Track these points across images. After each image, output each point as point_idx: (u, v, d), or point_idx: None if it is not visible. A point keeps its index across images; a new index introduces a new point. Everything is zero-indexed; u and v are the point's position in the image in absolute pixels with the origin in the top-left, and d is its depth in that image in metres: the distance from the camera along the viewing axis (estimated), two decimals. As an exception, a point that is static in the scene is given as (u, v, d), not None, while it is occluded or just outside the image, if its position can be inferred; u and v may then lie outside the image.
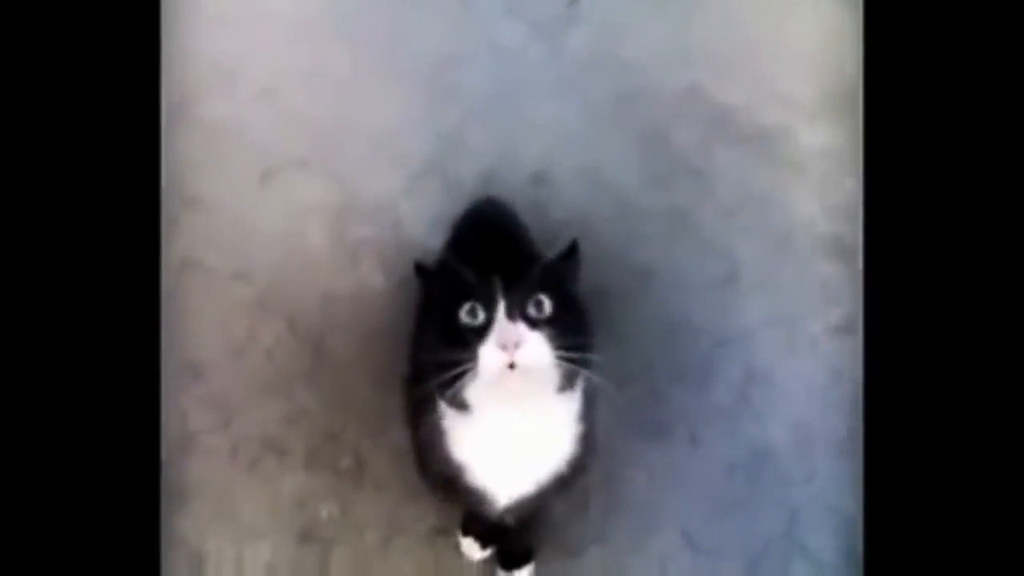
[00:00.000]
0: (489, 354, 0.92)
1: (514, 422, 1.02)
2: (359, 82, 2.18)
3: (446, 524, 1.48)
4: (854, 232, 1.83)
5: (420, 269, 1.13)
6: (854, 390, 1.59)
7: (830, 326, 1.74)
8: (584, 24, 2.30)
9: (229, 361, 1.69)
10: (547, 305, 0.96)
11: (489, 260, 1.05)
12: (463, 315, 0.96)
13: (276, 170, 2.00)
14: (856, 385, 1.54)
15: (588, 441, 1.11)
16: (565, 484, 1.12)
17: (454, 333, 0.96)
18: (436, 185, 1.97)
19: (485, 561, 1.45)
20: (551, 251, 1.13)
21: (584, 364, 0.95)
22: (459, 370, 0.93)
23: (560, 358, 0.93)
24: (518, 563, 1.43)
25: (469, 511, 1.38)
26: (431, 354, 0.99)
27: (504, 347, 0.91)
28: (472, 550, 1.44)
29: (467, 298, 0.97)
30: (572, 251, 1.10)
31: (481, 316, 0.95)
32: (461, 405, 0.99)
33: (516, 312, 0.94)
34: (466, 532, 1.45)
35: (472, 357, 0.93)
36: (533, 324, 0.94)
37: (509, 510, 1.15)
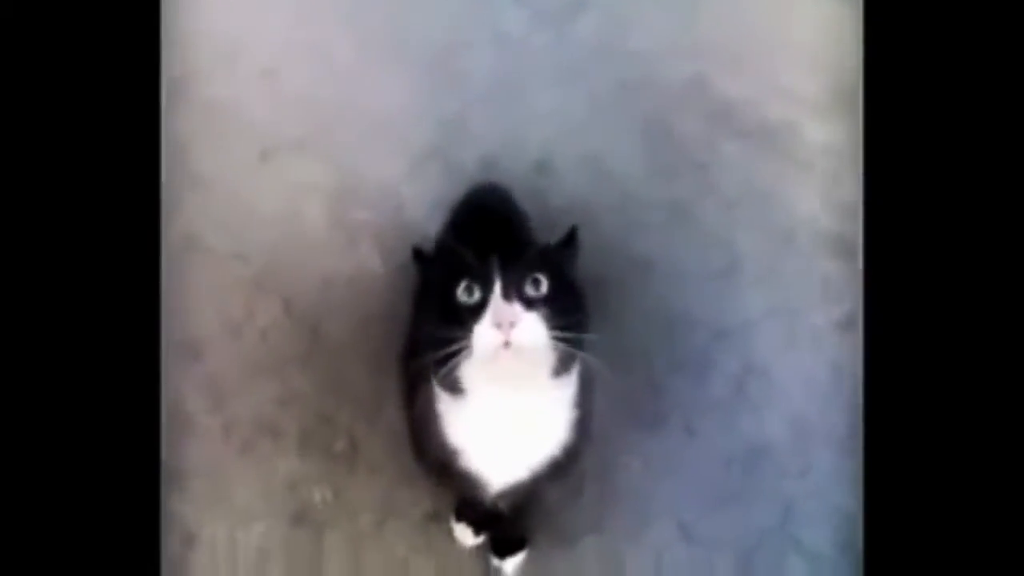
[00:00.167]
0: (484, 333, 0.91)
1: (508, 406, 1.01)
2: (362, 65, 2.16)
3: (440, 509, 1.48)
4: (856, 229, 1.82)
5: (418, 255, 1.13)
6: (853, 386, 1.58)
7: (830, 322, 1.73)
8: (589, 13, 2.28)
9: (224, 342, 1.68)
10: (544, 285, 0.95)
11: (487, 243, 1.04)
12: (459, 293, 0.95)
13: (276, 151, 1.99)
14: (855, 381, 1.54)
15: (583, 428, 1.10)
16: (559, 470, 1.11)
17: (450, 312, 0.95)
18: (437, 170, 1.95)
19: (479, 547, 1.44)
20: (551, 239, 1.13)
21: (579, 346, 0.94)
22: (454, 347, 0.91)
23: (556, 339, 0.92)
24: (511, 550, 1.42)
25: (463, 497, 1.37)
26: (427, 333, 0.99)
27: (499, 325, 0.90)
28: (465, 536, 1.43)
29: (464, 277, 0.96)
30: (571, 238, 1.10)
31: (477, 295, 0.94)
32: (455, 387, 0.98)
33: (512, 291, 0.93)
34: (460, 518, 1.44)
35: (467, 335, 0.91)
36: (529, 304, 0.93)
37: (503, 496, 1.15)
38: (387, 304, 1.69)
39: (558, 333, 0.92)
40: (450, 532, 1.45)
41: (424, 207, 1.86)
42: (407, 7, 2.29)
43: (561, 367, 0.97)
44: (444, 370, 0.94)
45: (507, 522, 1.40)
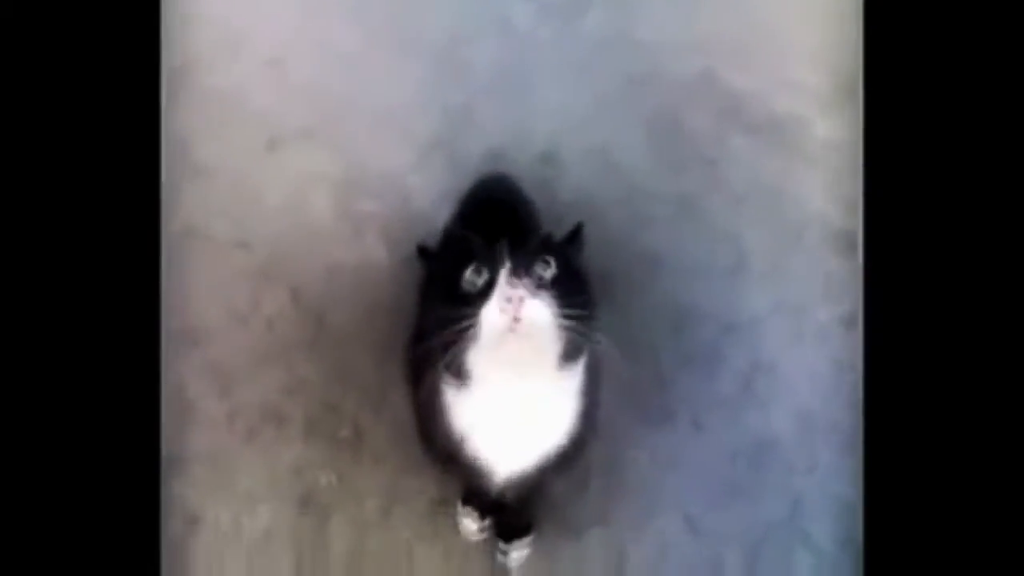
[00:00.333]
0: (492, 312, 0.90)
1: (515, 394, 1.01)
2: (368, 55, 2.16)
3: (446, 496, 1.47)
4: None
5: (423, 252, 1.13)
6: (859, 381, 1.57)
7: (837, 318, 1.72)
8: (597, 6, 2.28)
9: (231, 330, 1.68)
10: (551, 269, 0.95)
11: (495, 231, 1.03)
12: (467, 276, 0.95)
13: (282, 140, 1.98)
14: (861, 376, 1.54)
15: (589, 419, 1.10)
16: (565, 461, 1.11)
17: (458, 295, 0.95)
18: (443, 161, 1.95)
19: (484, 534, 1.44)
20: (558, 231, 1.12)
21: (586, 329, 0.94)
22: (463, 325, 0.91)
23: (563, 317, 0.91)
24: (517, 536, 1.42)
25: (469, 486, 1.37)
26: (434, 316, 0.98)
27: (508, 301, 0.89)
28: (471, 523, 1.43)
29: (472, 261, 0.96)
30: (576, 233, 1.10)
31: (485, 277, 0.94)
32: (461, 373, 0.97)
33: (521, 273, 0.93)
34: (465, 505, 1.44)
35: (475, 316, 0.91)
36: (536, 286, 0.93)
37: (508, 485, 1.14)
38: (393, 294, 1.69)
39: (565, 314, 0.91)
40: (455, 521, 1.45)
41: (430, 198, 1.86)
42: (414, -1, 2.28)
43: (568, 355, 0.96)
44: (450, 355, 0.93)
45: (512, 510, 1.40)
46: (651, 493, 1.50)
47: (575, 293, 0.95)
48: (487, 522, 1.43)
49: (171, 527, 1.44)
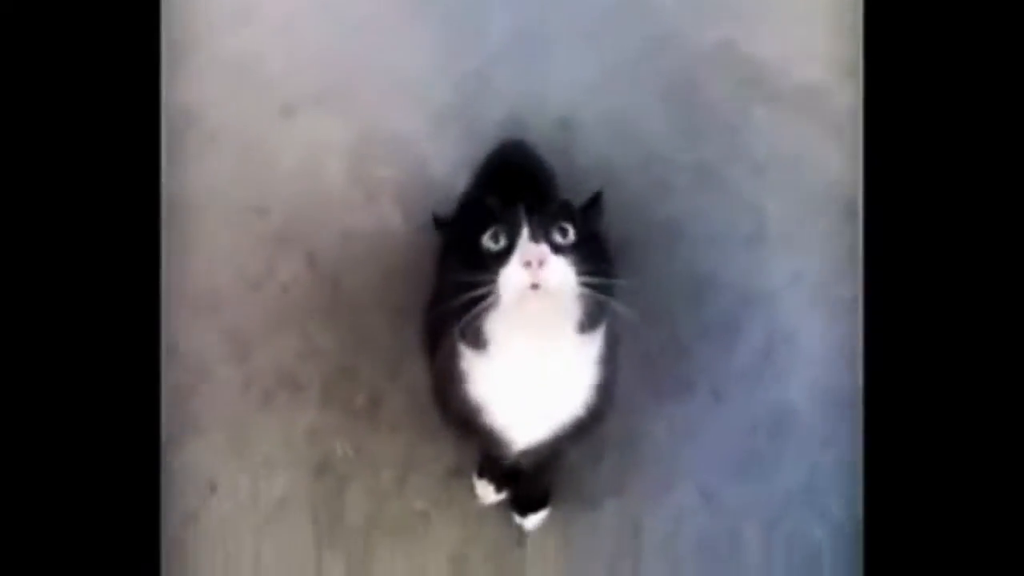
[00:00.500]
0: (511, 274, 0.89)
1: (533, 361, 0.99)
2: (382, 19, 2.12)
3: (462, 465, 1.47)
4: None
5: (438, 220, 1.11)
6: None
7: (857, 289, 1.70)
8: (616, -32, 2.23)
9: (246, 295, 1.67)
10: (571, 233, 0.94)
11: (513, 197, 1.01)
12: (486, 240, 0.93)
13: (296, 106, 1.96)
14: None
15: (607, 389, 1.09)
16: (582, 431, 1.10)
17: (476, 258, 0.93)
18: (459, 127, 1.92)
19: (500, 504, 1.44)
20: (576, 198, 1.10)
21: (607, 292, 0.92)
22: (481, 291, 0.89)
23: (583, 284, 0.89)
24: (533, 508, 1.42)
25: (486, 453, 1.37)
26: (452, 280, 0.96)
27: (527, 265, 0.88)
28: (487, 492, 1.43)
29: (491, 225, 0.94)
30: (596, 201, 1.08)
31: (503, 241, 0.92)
32: (478, 339, 0.96)
33: (540, 235, 0.91)
34: (481, 474, 1.44)
35: (494, 280, 0.89)
36: (556, 249, 0.91)
37: (525, 454, 1.14)
38: (409, 261, 1.68)
39: (586, 278, 0.90)
40: (471, 488, 1.45)
41: (446, 164, 1.84)
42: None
43: (588, 322, 0.94)
44: (468, 318, 0.91)
45: (528, 479, 1.40)
46: (667, 464, 1.50)
47: (595, 258, 0.93)
48: (503, 494, 1.43)
49: (188, 493, 1.45)
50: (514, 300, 0.88)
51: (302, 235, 1.75)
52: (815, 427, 1.54)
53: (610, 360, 1.07)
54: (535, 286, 0.87)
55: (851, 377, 1.58)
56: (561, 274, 0.89)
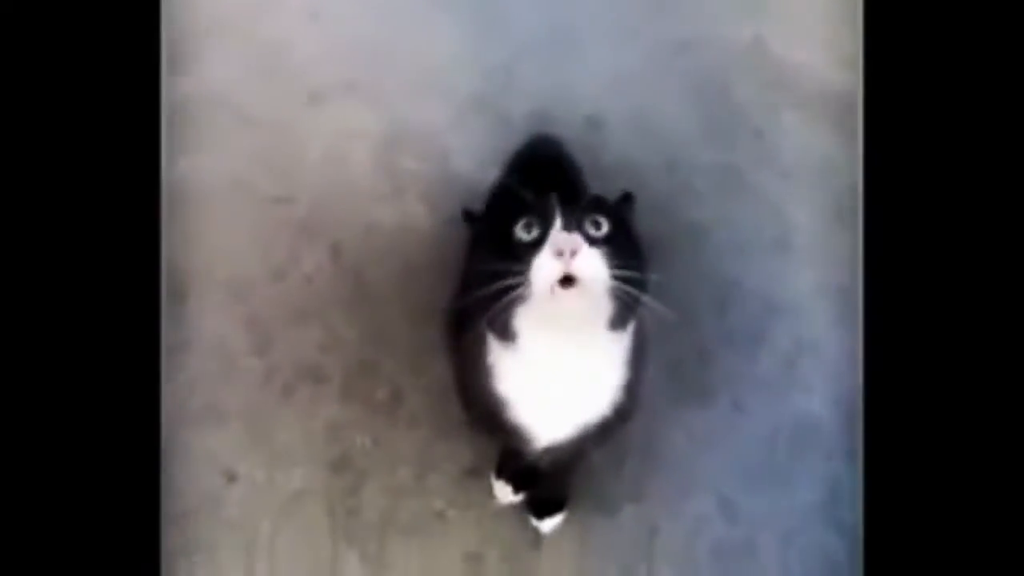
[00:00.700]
0: (543, 263, 0.86)
1: (562, 358, 0.98)
2: (410, 9, 2.12)
3: (480, 465, 1.47)
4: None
5: (468, 215, 1.10)
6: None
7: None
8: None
9: (270, 284, 1.67)
10: (604, 227, 0.91)
11: (545, 189, 1.00)
12: (518, 230, 0.91)
13: (322, 95, 1.96)
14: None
15: (633, 391, 1.07)
16: (606, 431, 1.09)
17: (507, 248, 0.91)
18: (485, 121, 1.92)
19: (517, 505, 1.43)
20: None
21: (640, 287, 0.89)
22: (512, 281, 0.87)
23: (615, 277, 0.87)
24: (550, 511, 1.41)
25: (506, 451, 1.36)
26: (481, 270, 0.93)
27: (560, 254, 0.86)
28: (505, 493, 1.42)
29: (523, 215, 0.92)
30: (627, 200, 1.07)
31: (536, 231, 0.90)
32: (506, 331, 0.94)
33: (573, 226, 0.90)
34: (500, 474, 1.43)
35: (525, 270, 0.87)
36: (590, 241, 0.89)
37: (548, 452, 1.12)
38: (432, 256, 1.68)
39: (618, 272, 0.87)
40: (489, 488, 1.44)
41: (471, 159, 1.84)
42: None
43: (618, 319, 0.92)
44: (498, 308, 0.89)
45: (547, 481, 1.39)
46: (686, 471, 1.49)
47: (629, 253, 0.91)
48: (521, 495, 1.43)
49: (207, 482, 1.45)
50: (545, 291, 0.86)
51: (327, 226, 1.75)
52: (836, 439, 1.53)
53: (638, 361, 1.06)
54: (567, 277, 0.85)
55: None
56: (594, 266, 0.87)
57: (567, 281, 0.85)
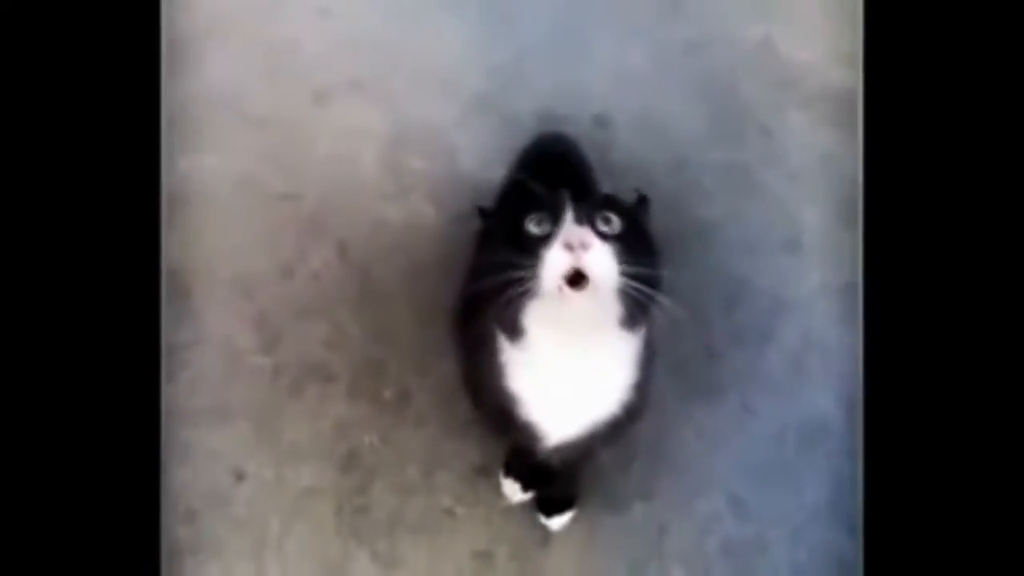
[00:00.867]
0: (553, 257, 0.86)
1: (572, 356, 0.97)
2: (416, 7, 2.12)
3: (488, 463, 1.46)
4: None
5: (482, 212, 1.10)
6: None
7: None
8: (655, -37, 2.21)
9: (278, 281, 1.67)
10: (616, 224, 0.90)
11: (556, 185, 0.98)
12: (529, 225, 0.91)
13: (329, 93, 1.96)
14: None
15: (643, 391, 1.07)
16: (616, 431, 1.08)
17: (518, 241, 0.90)
18: (491, 120, 1.92)
19: (525, 504, 1.43)
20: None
21: (652, 285, 0.88)
22: (522, 273, 0.86)
23: (625, 274, 0.86)
24: (559, 509, 1.41)
25: (515, 449, 1.36)
26: (491, 261, 0.92)
27: (570, 247, 0.85)
28: (513, 491, 1.42)
29: (534, 210, 0.92)
30: (641, 202, 1.06)
31: (547, 226, 0.90)
32: (515, 328, 0.93)
33: (584, 221, 0.89)
34: (508, 472, 1.43)
35: (535, 263, 0.86)
36: (601, 237, 0.88)
37: (558, 450, 1.12)
38: (439, 253, 1.68)
39: (629, 269, 0.86)
40: (497, 486, 1.44)
41: (478, 158, 1.84)
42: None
43: (630, 319, 0.91)
44: (504, 299, 0.88)
45: (556, 480, 1.38)
46: (696, 470, 1.49)
47: (640, 251, 0.90)
48: (529, 494, 1.42)
49: (216, 481, 1.45)
50: (553, 289, 0.86)
51: (334, 223, 1.75)
52: (845, 437, 1.53)
53: (647, 363, 1.06)
54: (576, 278, 0.85)
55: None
56: (604, 262, 0.86)
57: (575, 282, 0.85)
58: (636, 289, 0.86)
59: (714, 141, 1.93)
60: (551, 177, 1.36)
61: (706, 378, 1.57)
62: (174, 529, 1.40)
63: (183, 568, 1.38)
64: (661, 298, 0.90)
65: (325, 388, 1.54)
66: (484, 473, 1.46)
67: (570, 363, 0.98)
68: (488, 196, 1.46)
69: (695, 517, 1.45)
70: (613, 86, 2.01)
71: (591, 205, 0.92)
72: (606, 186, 1.47)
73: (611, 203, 0.95)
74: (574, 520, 1.42)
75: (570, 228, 0.87)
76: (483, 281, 0.91)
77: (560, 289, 0.85)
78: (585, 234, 0.86)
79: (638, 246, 0.91)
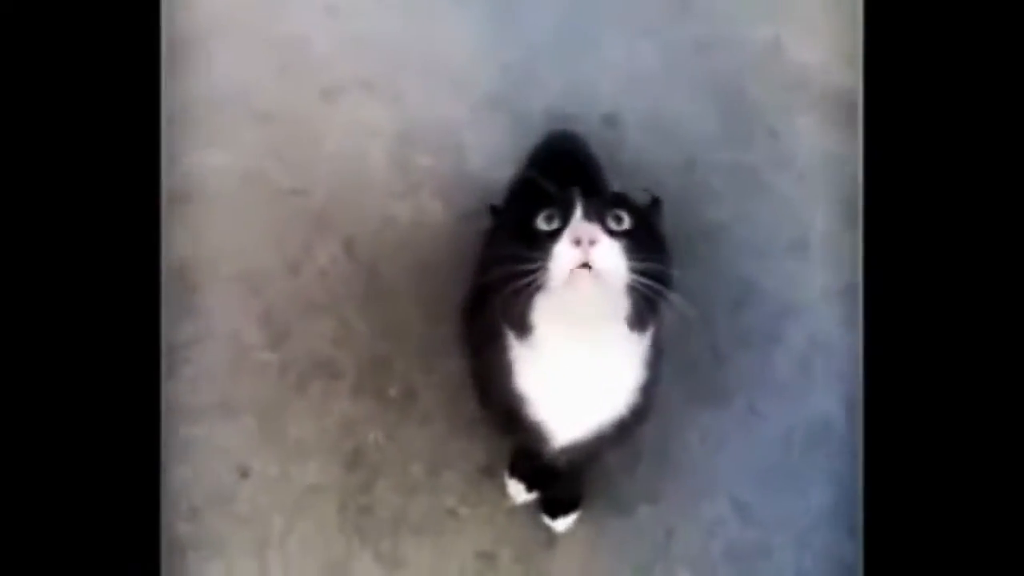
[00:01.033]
0: (562, 252, 0.86)
1: (581, 354, 0.97)
2: (426, 5, 2.11)
3: (493, 463, 1.46)
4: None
5: (495, 209, 1.10)
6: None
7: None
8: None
9: (285, 277, 1.66)
10: (625, 221, 0.91)
11: (566, 183, 0.99)
12: (539, 221, 0.91)
13: (338, 89, 1.95)
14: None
15: (650, 393, 1.07)
16: (623, 432, 1.08)
17: (528, 238, 0.90)
18: (501, 118, 1.91)
19: (530, 505, 1.43)
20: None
21: (661, 282, 0.88)
22: (531, 267, 0.86)
23: (634, 270, 0.86)
24: (564, 510, 1.40)
25: (522, 449, 1.35)
26: (500, 254, 0.93)
27: (578, 242, 0.85)
28: (518, 491, 1.42)
29: (544, 207, 0.92)
30: (654, 204, 1.06)
31: (557, 222, 0.90)
32: (524, 326, 0.93)
33: (594, 217, 0.89)
34: (513, 473, 1.42)
35: (544, 258, 0.86)
36: (610, 234, 0.88)
37: (565, 451, 1.11)
38: (447, 251, 1.67)
39: (638, 266, 0.86)
40: (502, 487, 1.44)
41: (487, 157, 1.83)
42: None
43: (638, 318, 0.91)
44: (511, 291, 0.88)
45: (561, 481, 1.38)
46: (701, 473, 1.48)
47: (650, 249, 0.90)
48: (534, 494, 1.42)
49: (220, 477, 1.45)
50: (563, 281, 0.86)
51: (341, 220, 1.74)
52: (851, 440, 1.52)
53: (655, 364, 1.05)
54: (585, 266, 0.85)
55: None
56: (612, 257, 0.86)
57: (584, 265, 0.85)
58: (645, 285, 0.86)
59: (722, 142, 1.92)
60: (561, 175, 1.36)
61: (712, 381, 1.57)
62: (177, 526, 1.40)
63: (186, 565, 1.37)
64: (671, 295, 0.90)
65: (331, 385, 1.54)
66: (489, 473, 1.46)
67: (578, 361, 0.98)
68: (496, 194, 1.45)
69: (700, 520, 1.44)
70: (622, 86, 2.00)
71: (601, 202, 0.92)
72: (615, 185, 1.46)
73: (621, 200, 0.95)
74: (579, 522, 1.41)
75: (579, 224, 0.88)
76: (491, 272, 0.92)
77: (571, 273, 0.85)
78: (594, 230, 0.86)
79: (648, 243, 0.91)
